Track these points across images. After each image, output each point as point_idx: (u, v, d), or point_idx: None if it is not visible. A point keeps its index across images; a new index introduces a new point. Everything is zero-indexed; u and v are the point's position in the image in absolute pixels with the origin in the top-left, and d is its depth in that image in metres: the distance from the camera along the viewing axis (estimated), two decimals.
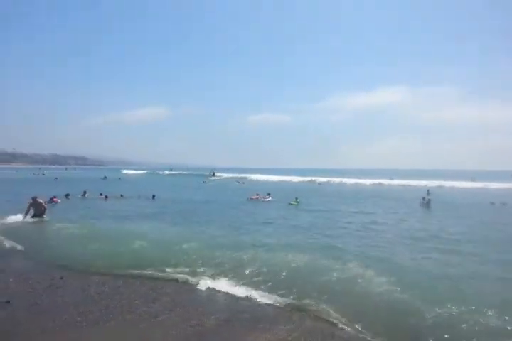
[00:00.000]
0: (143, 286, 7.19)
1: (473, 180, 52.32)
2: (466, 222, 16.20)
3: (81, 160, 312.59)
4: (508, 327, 5.23)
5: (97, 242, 10.54)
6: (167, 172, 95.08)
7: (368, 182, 50.75)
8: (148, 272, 7.91)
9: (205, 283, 7.09)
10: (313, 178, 57.79)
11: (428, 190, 30.72)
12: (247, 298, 6.51)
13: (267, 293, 6.62)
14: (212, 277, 7.47)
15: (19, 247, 10.23)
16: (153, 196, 25.33)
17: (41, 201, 14.59)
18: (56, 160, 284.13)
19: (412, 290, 6.54)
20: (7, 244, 10.66)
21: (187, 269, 7.95)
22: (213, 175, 75.20)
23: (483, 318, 5.45)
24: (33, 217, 14.24)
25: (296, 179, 59.74)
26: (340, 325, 5.44)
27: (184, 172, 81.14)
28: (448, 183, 44.68)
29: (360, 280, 7.17)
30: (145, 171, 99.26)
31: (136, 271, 7.99)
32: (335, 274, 7.51)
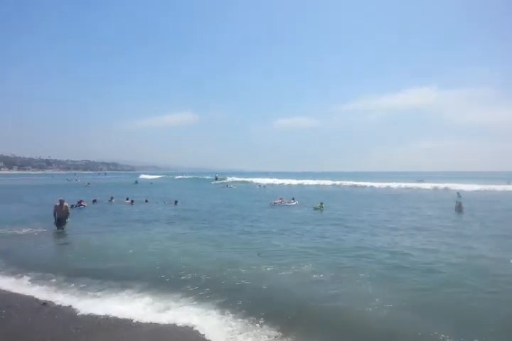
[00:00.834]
0: None
1: (509, 183, 49.91)
2: (501, 225, 15.35)
3: (112, 166, 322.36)
4: None
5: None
6: (186, 176, 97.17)
7: (395, 185, 49.37)
8: None
9: None
10: (338, 182, 56.84)
11: (458, 193, 29.49)
12: None
13: None
14: None
15: None
16: (176, 201, 25.66)
17: (67, 204, 14.96)
18: (88, 166, 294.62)
19: None
20: None
21: None
22: (216, 179, 75.28)
23: None
24: (56, 221, 14.50)
25: (322, 182, 58.75)
26: None
27: (227, 180, 74.05)
28: (481, 187, 42.29)
29: None
30: (160, 176, 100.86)
31: None
32: None
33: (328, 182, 57.86)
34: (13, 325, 5.84)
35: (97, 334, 5.48)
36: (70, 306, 6.50)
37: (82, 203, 23.13)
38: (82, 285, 7.61)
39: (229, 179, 73.88)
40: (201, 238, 12.86)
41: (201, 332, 5.47)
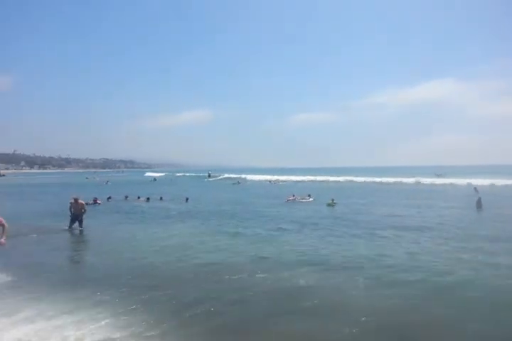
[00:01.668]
0: None
1: None
2: None
3: (129, 164, 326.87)
4: None
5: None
6: (187, 174, 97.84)
7: (411, 180, 48.15)
8: None
9: None
10: (352, 178, 55.80)
11: (475, 188, 28.69)
12: None
13: None
14: None
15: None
16: (187, 199, 25.89)
17: (82, 202, 15.18)
18: (106, 164, 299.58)
19: None
20: None
21: None
22: (209, 176, 75.53)
23: None
24: (71, 217, 14.80)
25: (332, 179, 57.64)
26: None
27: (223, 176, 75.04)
28: (500, 181, 40.42)
29: None
30: (163, 174, 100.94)
31: None
32: None
33: (340, 179, 56.43)
34: None
35: None
36: None
37: (97, 201, 23.52)
38: None
39: (221, 176, 74.68)
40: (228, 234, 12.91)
41: None
